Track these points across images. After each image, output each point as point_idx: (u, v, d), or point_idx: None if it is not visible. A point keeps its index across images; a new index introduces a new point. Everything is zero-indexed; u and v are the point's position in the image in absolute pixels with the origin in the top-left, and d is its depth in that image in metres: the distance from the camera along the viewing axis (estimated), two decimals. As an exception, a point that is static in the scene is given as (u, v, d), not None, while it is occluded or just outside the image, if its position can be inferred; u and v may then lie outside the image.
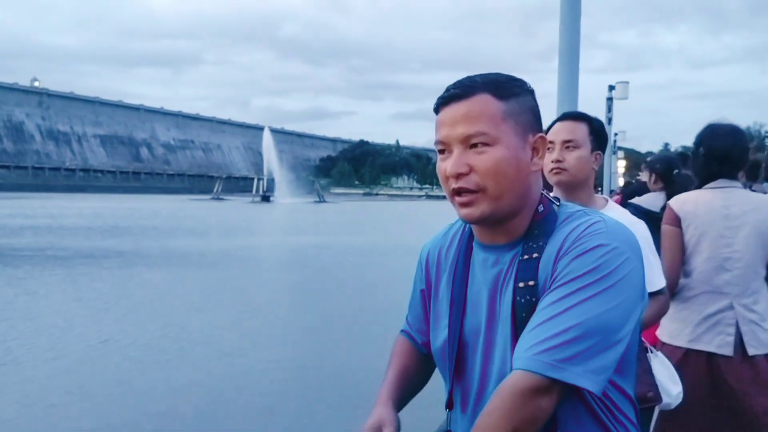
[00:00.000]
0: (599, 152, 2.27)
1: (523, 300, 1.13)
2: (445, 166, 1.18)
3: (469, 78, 1.20)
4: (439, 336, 1.30)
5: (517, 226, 1.20)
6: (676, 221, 2.55)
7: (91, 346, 6.85)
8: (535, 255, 1.15)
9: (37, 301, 9.49)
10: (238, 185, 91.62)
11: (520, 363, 1.05)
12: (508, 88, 1.19)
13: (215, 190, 65.33)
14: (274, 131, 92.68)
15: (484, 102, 1.16)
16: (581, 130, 2.24)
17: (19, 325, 7.86)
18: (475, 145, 1.15)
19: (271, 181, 65.88)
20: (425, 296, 1.39)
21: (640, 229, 2.14)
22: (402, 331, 1.49)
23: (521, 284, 1.14)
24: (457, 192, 1.17)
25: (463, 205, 1.17)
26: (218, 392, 5.43)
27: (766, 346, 2.43)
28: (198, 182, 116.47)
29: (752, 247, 2.45)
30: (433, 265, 1.37)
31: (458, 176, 1.15)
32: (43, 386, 5.49)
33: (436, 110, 1.22)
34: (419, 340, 1.43)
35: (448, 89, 1.20)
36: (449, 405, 1.27)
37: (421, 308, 1.42)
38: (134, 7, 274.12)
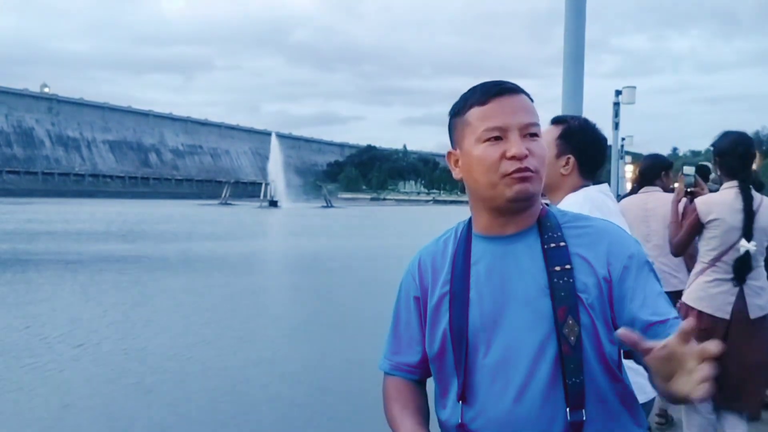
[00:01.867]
0: (569, 156, 2.16)
1: (561, 281, 1.24)
2: (501, 149, 1.26)
3: (508, 81, 1.33)
4: (440, 336, 1.32)
5: (530, 215, 1.32)
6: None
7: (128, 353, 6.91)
8: (562, 243, 1.28)
9: (61, 306, 9.57)
10: (246, 190, 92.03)
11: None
12: (531, 98, 1.35)
13: (223, 195, 65.58)
14: (281, 136, 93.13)
15: (529, 101, 1.32)
16: (549, 134, 2.15)
17: (50, 331, 7.93)
18: (530, 134, 1.28)
19: (278, 186, 66.10)
20: (419, 304, 1.39)
21: (610, 204, 2.16)
22: (388, 373, 1.44)
23: (557, 268, 1.25)
24: (520, 170, 1.25)
25: (523, 180, 1.25)
26: (248, 400, 5.47)
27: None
28: (206, 187, 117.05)
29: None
30: (428, 270, 1.39)
31: (523, 157, 1.25)
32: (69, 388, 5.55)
33: (483, 102, 1.29)
34: (413, 369, 1.41)
35: (497, 84, 1.32)
36: (462, 398, 1.29)
37: (415, 321, 1.40)
38: (146, 13, 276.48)
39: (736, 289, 3.11)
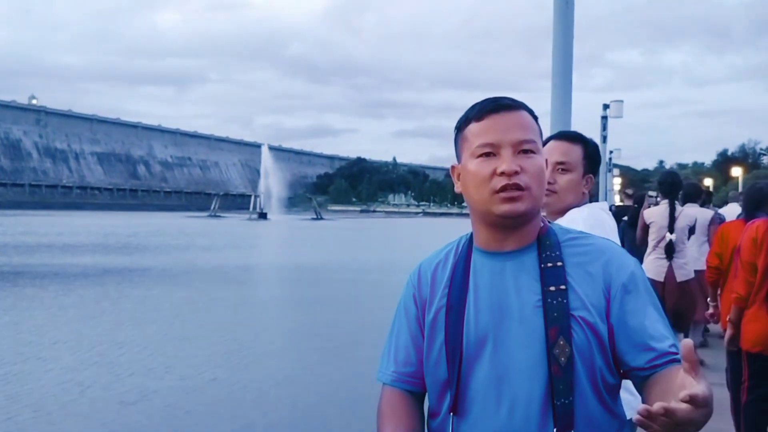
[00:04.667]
0: (591, 176, 2.20)
1: (555, 301, 1.24)
2: (493, 165, 1.27)
3: (507, 97, 1.34)
4: (436, 348, 1.33)
5: (528, 233, 1.32)
6: None
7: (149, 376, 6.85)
8: (559, 263, 1.28)
9: (63, 321, 9.48)
10: (235, 202, 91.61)
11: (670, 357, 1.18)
12: (533, 112, 1.36)
13: (212, 207, 65.33)
14: (272, 149, 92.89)
15: (527, 117, 1.33)
16: (576, 153, 2.16)
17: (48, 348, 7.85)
18: (525, 151, 1.28)
19: (267, 199, 65.93)
20: (418, 315, 1.39)
21: (609, 222, 2.19)
22: (386, 384, 1.41)
23: (552, 288, 1.25)
24: (507, 188, 1.26)
25: (512, 199, 1.26)
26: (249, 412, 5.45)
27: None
28: (195, 199, 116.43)
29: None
30: (427, 282, 1.40)
31: (512, 174, 1.25)
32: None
33: (480, 118, 1.31)
34: (411, 380, 1.39)
35: (493, 100, 1.33)
36: (454, 410, 1.28)
37: (415, 332, 1.40)
38: (140, 26, 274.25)
39: (667, 263, 5.34)
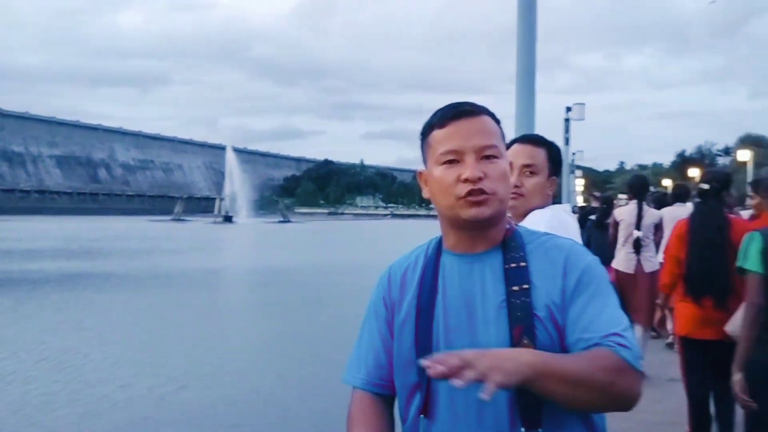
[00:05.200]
0: (555, 177, 2.25)
1: (518, 301, 1.26)
2: (458, 172, 1.29)
3: (468, 102, 1.36)
4: (406, 351, 1.34)
5: (495, 235, 1.34)
6: None
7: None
8: (522, 264, 1.30)
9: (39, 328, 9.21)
10: (200, 206, 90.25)
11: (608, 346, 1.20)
12: (495, 116, 1.37)
13: (176, 210, 64.26)
14: (237, 151, 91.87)
15: (489, 122, 1.35)
16: (541, 156, 2.20)
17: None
18: (487, 156, 1.30)
19: (233, 201, 65.17)
20: (388, 318, 1.40)
21: (571, 223, 2.24)
22: (356, 387, 1.41)
23: (515, 288, 1.27)
24: (472, 193, 1.28)
25: (477, 204, 1.28)
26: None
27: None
28: (158, 203, 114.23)
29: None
30: (397, 284, 1.41)
31: (475, 180, 1.28)
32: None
33: (442, 125, 1.33)
34: (382, 383, 1.39)
35: (454, 107, 1.34)
36: (425, 413, 1.30)
37: (385, 334, 1.40)
38: (102, 27, 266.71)
39: (636, 257, 5.93)
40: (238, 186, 71.27)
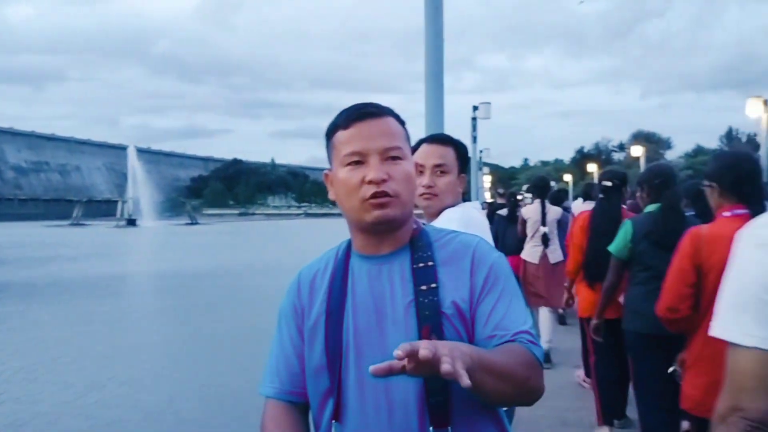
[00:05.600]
0: (464, 175, 2.30)
1: (426, 300, 1.27)
2: (362, 173, 1.29)
3: (372, 103, 1.35)
4: (316, 356, 1.33)
5: (402, 236, 1.34)
6: None
7: None
8: (430, 263, 1.31)
9: None
10: (101, 209, 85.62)
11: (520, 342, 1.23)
12: (400, 118, 1.37)
13: (74, 215, 60.72)
14: (139, 151, 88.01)
15: (394, 123, 1.34)
16: (450, 155, 2.23)
17: None
18: (391, 158, 1.30)
19: (136, 204, 62.38)
20: (299, 324, 1.39)
21: (481, 220, 2.30)
22: (270, 397, 1.39)
23: (423, 287, 1.28)
24: (377, 195, 1.27)
25: (381, 206, 1.28)
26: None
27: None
28: (54, 207, 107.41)
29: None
30: (306, 290, 1.40)
31: (379, 182, 1.27)
32: None
33: (346, 126, 1.31)
34: (295, 391, 1.37)
35: (359, 108, 1.33)
36: (336, 417, 1.29)
37: (296, 341, 1.38)
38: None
39: (542, 249, 6.50)
40: (141, 188, 68.24)
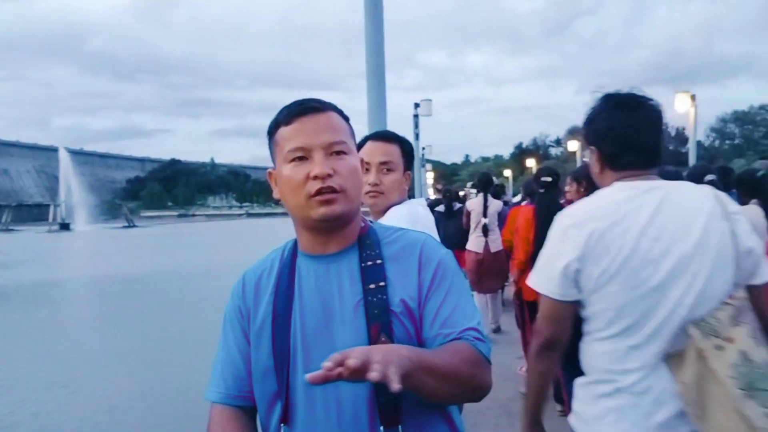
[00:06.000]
0: (409, 172, 2.29)
1: (375, 299, 1.25)
2: (307, 169, 1.26)
3: (314, 98, 1.33)
4: (263, 358, 1.30)
5: (349, 234, 1.33)
6: None
7: None
8: (378, 261, 1.29)
9: None
10: (32, 214, 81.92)
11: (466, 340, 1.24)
12: (343, 113, 1.35)
13: (3, 220, 57.88)
14: (71, 152, 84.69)
15: (337, 118, 1.32)
16: (396, 152, 2.22)
17: None
18: (336, 153, 1.28)
19: (70, 208, 59.98)
20: (244, 327, 1.36)
21: (427, 216, 2.31)
22: (216, 402, 1.36)
23: (372, 286, 1.26)
24: (322, 191, 1.25)
25: (327, 202, 1.26)
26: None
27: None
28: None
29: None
30: (251, 291, 1.37)
31: (325, 177, 1.24)
32: None
33: (288, 122, 1.29)
34: (242, 395, 1.35)
35: (301, 103, 1.31)
36: (285, 420, 1.27)
37: (242, 344, 1.36)
38: None
39: (484, 239, 7.10)
40: (74, 191, 65.71)
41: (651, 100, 1.81)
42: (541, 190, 4.76)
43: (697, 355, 1.56)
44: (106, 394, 6.12)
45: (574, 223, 1.74)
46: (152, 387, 6.27)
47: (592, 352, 1.75)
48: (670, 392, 1.60)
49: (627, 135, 1.77)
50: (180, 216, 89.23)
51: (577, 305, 1.73)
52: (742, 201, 3.72)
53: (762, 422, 1.49)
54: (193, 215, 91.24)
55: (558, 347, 1.76)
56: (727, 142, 76.37)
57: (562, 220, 1.82)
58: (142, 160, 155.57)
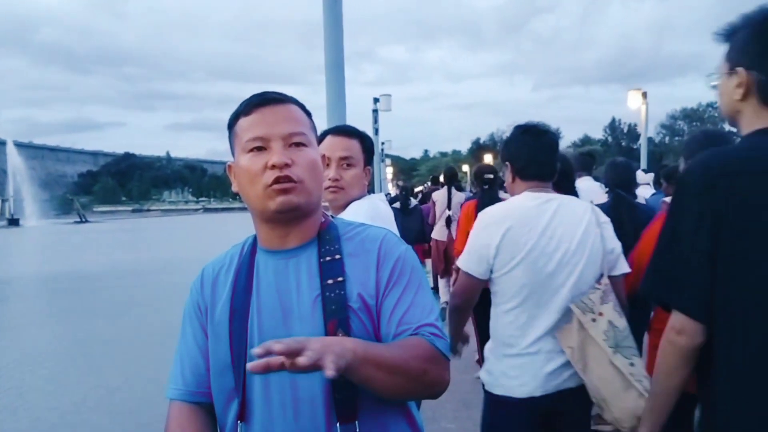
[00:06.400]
0: (369, 167, 2.29)
1: (332, 294, 1.24)
2: (265, 159, 1.25)
3: (275, 91, 1.32)
4: (221, 355, 1.29)
5: (309, 228, 1.32)
6: None
7: None
8: (337, 256, 1.28)
9: None
10: (-23, 209, 79.00)
11: (422, 336, 1.24)
12: (305, 107, 1.35)
13: (-54, 216, 55.56)
14: (20, 146, 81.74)
15: (297, 110, 1.32)
16: (356, 147, 2.21)
17: None
18: (295, 144, 1.27)
19: (19, 203, 57.96)
20: (203, 323, 1.35)
21: (388, 212, 2.31)
22: (174, 399, 1.34)
23: (330, 281, 1.25)
24: (280, 180, 1.24)
25: (284, 191, 1.25)
26: None
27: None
28: None
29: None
30: (210, 287, 1.36)
31: (282, 166, 1.24)
32: None
33: (248, 112, 1.28)
34: (201, 392, 1.34)
35: (261, 95, 1.30)
36: (242, 417, 1.26)
37: (201, 340, 1.34)
38: None
39: (448, 230, 7.45)
40: (23, 185, 63.50)
41: (550, 130, 2.45)
42: (485, 186, 5.18)
43: (579, 327, 2.15)
44: (61, 396, 5.95)
45: (494, 221, 2.29)
46: (110, 386, 6.12)
47: (499, 322, 2.31)
48: (556, 351, 2.20)
49: (532, 154, 2.35)
50: (134, 211, 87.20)
51: (487, 282, 2.31)
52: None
53: (626, 369, 2.08)
54: (148, 210, 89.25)
55: (468, 308, 2.44)
56: (677, 138, 78.74)
57: (484, 218, 2.35)
58: (94, 154, 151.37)
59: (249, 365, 1.02)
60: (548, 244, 2.20)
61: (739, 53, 1.52)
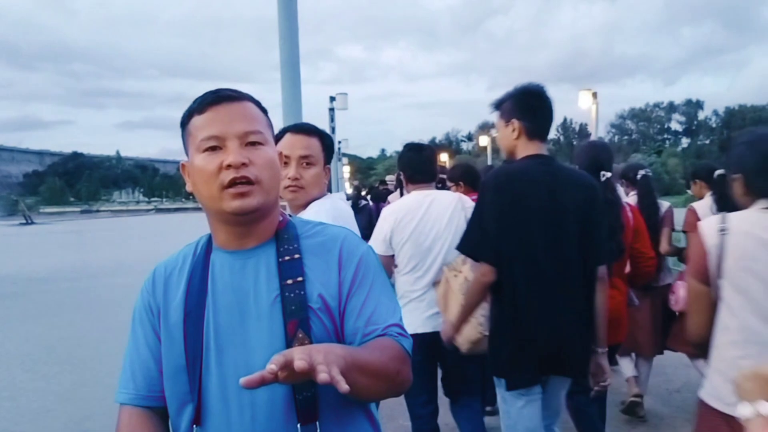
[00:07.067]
0: (328, 166, 2.26)
1: (292, 294, 1.22)
2: (220, 159, 1.21)
3: (230, 88, 1.28)
4: (175, 358, 1.26)
5: (266, 228, 1.29)
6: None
7: None
8: (296, 256, 1.26)
9: None
10: None
11: (389, 335, 1.24)
12: (261, 105, 1.32)
13: None
14: (-41, 145, 78.48)
15: (253, 108, 1.28)
16: (316, 146, 2.18)
17: None
18: (251, 143, 1.24)
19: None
20: (154, 326, 1.32)
21: (348, 211, 2.30)
22: (125, 404, 1.31)
23: (289, 281, 1.23)
24: (236, 182, 1.20)
25: (241, 195, 1.21)
26: None
27: None
28: None
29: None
30: (162, 288, 1.33)
31: (239, 166, 1.20)
32: None
33: (202, 110, 1.24)
34: (153, 396, 1.30)
35: (215, 92, 1.26)
36: (197, 421, 1.23)
37: (152, 344, 1.31)
38: None
39: None
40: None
41: (429, 146, 3.48)
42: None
43: (445, 281, 2.95)
44: (12, 397, 5.73)
45: (389, 214, 3.19)
46: (59, 393, 5.92)
47: (399, 281, 3.18)
48: (435, 300, 3.02)
49: (416, 164, 3.27)
50: (83, 212, 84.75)
51: (392, 258, 3.16)
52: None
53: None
54: (98, 211, 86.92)
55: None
56: (625, 137, 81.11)
57: (384, 212, 3.25)
58: (40, 154, 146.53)
59: (242, 381, 0.97)
60: (425, 226, 3.11)
61: (510, 112, 2.53)
